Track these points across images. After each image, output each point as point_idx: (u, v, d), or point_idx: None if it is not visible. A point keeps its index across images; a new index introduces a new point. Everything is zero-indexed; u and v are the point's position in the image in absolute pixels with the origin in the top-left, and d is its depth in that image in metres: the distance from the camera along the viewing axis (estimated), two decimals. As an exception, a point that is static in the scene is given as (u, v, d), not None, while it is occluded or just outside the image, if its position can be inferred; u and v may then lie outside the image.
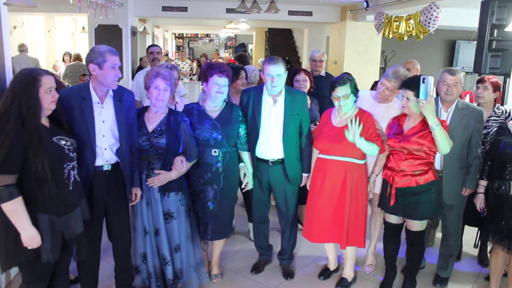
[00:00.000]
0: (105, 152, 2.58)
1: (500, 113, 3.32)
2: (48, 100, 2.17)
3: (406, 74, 3.04)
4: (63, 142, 2.23)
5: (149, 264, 2.84)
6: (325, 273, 3.34)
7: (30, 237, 2.10)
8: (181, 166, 2.70)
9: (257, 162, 3.12)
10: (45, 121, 2.24)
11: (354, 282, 3.24)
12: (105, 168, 2.59)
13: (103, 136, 2.56)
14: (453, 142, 2.79)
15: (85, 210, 2.39)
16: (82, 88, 2.57)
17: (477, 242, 3.89)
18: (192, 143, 2.79)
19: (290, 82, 3.67)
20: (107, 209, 2.69)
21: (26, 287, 2.27)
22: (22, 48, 8.04)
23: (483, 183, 3.00)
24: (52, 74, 2.27)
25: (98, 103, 2.56)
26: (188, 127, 2.79)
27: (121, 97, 2.65)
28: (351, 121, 2.77)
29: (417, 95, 2.69)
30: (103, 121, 2.57)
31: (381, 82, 3.10)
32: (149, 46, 5.12)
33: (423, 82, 2.58)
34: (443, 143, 2.70)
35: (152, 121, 2.77)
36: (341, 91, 2.87)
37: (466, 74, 9.08)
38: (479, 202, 3.00)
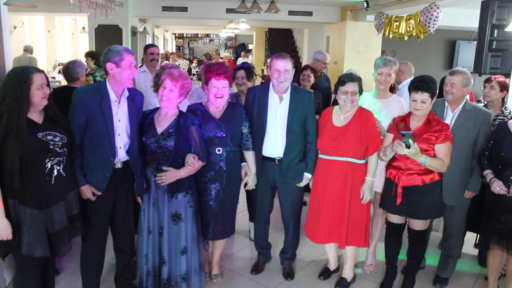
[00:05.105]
0: (120, 151, 2.63)
1: (507, 113, 3.29)
2: (40, 96, 2.25)
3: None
4: (50, 137, 2.28)
5: (149, 263, 2.84)
6: (325, 273, 3.34)
7: (1, 228, 2.15)
8: (193, 162, 2.70)
9: (263, 161, 3.11)
10: (37, 117, 2.31)
11: (353, 282, 3.24)
12: (118, 166, 2.65)
13: (119, 135, 2.62)
14: (457, 143, 2.82)
15: (73, 205, 2.43)
16: (100, 86, 2.62)
17: (477, 242, 3.88)
18: (202, 146, 2.79)
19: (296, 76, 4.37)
20: (115, 205, 2.72)
21: (19, 274, 2.41)
22: (26, 48, 8.10)
23: (488, 171, 2.86)
24: (43, 72, 2.33)
25: (116, 101, 2.61)
26: (198, 130, 2.78)
27: (134, 97, 2.71)
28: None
29: (431, 97, 2.75)
30: (119, 120, 2.62)
31: (379, 72, 3.27)
32: (148, 46, 4.94)
33: (404, 136, 2.66)
34: (438, 169, 2.78)
35: (162, 124, 2.77)
36: (351, 86, 2.91)
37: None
38: (497, 185, 2.73)
